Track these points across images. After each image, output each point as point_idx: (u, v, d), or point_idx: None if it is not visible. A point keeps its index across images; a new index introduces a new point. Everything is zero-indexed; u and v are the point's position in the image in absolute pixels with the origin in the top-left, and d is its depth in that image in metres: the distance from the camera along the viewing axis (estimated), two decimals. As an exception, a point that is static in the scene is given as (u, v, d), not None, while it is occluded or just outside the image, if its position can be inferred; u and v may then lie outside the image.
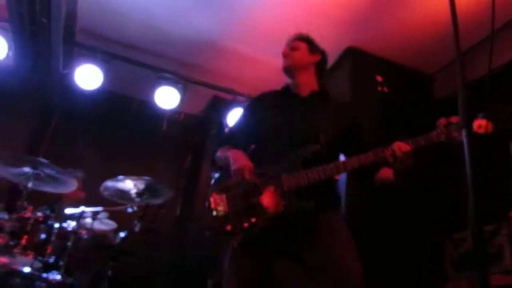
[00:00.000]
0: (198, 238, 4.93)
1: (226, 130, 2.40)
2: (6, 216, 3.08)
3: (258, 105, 2.35)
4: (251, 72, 4.75)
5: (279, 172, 1.97)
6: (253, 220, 1.88)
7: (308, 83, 2.31)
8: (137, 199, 3.59)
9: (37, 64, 4.33)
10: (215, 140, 5.02)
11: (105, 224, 3.76)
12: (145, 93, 4.80)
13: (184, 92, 4.73)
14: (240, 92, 4.96)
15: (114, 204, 3.67)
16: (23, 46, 4.13)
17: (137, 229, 3.59)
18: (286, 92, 2.33)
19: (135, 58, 4.65)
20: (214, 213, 1.94)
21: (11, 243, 3.04)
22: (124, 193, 3.63)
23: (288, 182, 1.93)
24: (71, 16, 4.15)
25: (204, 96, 5.31)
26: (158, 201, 3.77)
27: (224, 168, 2.07)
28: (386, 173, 2.01)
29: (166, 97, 4.68)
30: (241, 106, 4.88)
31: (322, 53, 2.40)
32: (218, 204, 1.95)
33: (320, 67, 2.37)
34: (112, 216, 3.76)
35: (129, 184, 3.59)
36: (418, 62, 4.32)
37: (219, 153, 2.22)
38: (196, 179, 5.40)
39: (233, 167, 1.97)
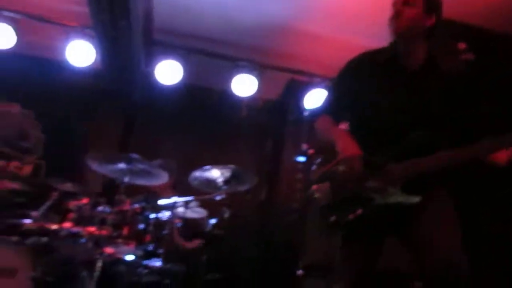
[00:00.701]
0: (283, 223, 5.01)
1: (327, 96, 2.23)
2: (107, 210, 3.33)
3: (359, 75, 2.04)
4: (326, 52, 4.68)
5: (387, 161, 1.84)
6: (359, 211, 1.82)
7: (418, 52, 1.95)
8: (224, 187, 3.72)
9: (121, 65, 4.57)
10: (309, 117, 4.94)
11: (196, 212, 3.93)
12: (223, 82, 4.90)
13: (260, 78, 4.78)
14: (316, 74, 4.92)
15: (203, 193, 3.83)
16: (107, 50, 4.38)
17: (226, 215, 3.73)
18: (391, 62, 1.98)
19: (212, 50, 4.76)
20: (318, 202, 1.89)
21: (114, 234, 3.28)
22: (211, 182, 3.78)
23: (396, 172, 1.80)
24: (148, 17, 4.33)
25: (280, 80, 5.32)
26: (243, 187, 3.88)
27: (321, 149, 2.00)
28: None
29: (244, 85, 4.77)
30: (318, 88, 4.85)
31: (438, 14, 1.97)
32: (322, 193, 1.89)
33: (433, 32, 1.97)
34: (202, 205, 3.92)
35: (215, 173, 3.73)
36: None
37: (320, 125, 2.06)
38: (278, 164, 5.46)
39: (341, 154, 1.84)
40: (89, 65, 4.47)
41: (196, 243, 3.88)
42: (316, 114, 2.18)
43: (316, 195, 1.88)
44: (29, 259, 2.98)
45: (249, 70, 4.74)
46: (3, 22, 4.23)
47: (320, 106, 2.23)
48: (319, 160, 2.03)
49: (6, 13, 4.25)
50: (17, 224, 3.32)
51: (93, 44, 4.39)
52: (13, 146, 4.57)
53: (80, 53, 4.42)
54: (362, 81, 2.02)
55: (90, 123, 4.95)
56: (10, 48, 4.36)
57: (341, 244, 1.88)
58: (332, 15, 4.21)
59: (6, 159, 4.59)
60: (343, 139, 1.91)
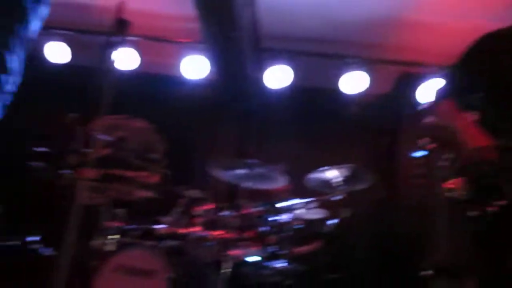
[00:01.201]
0: (403, 220, 4.83)
1: (449, 82, 2.12)
2: (231, 214, 3.48)
3: (498, 54, 1.92)
4: (436, 40, 4.43)
5: None
6: (499, 202, 1.71)
7: None
8: (342, 187, 3.69)
9: (233, 74, 4.78)
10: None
11: (316, 213, 3.94)
12: (332, 82, 4.87)
13: (370, 74, 4.68)
14: (428, 64, 4.69)
15: (321, 194, 3.84)
16: (219, 61, 4.61)
17: (345, 215, 3.70)
18: None
19: (318, 50, 4.77)
20: (452, 198, 1.82)
21: (239, 237, 3.42)
22: (328, 182, 3.77)
23: None
24: (255, 26, 4.46)
25: (391, 74, 5.15)
26: (361, 186, 3.82)
27: (442, 141, 1.91)
28: None
29: (353, 82, 4.70)
30: (433, 78, 4.61)
31: None
32: (457, 189, 1.81)
33: None
34: (321, 205, 3.93)
35: (332, 173, 3.72)
36: None
37: (442, 112, 1.99)
38: (394, 160, 5.29)
39: (469, 145, 1.77)
40: (204, 78, 4.74)
41: (313, 246, 3.89)
42: (437, 101, 2.08)
43: (450, 191, 1.79)
44: (164, 261, 3.22)
45: (358, 66, 4.67)
46: (129, 46, 4.66)
47: (441, 92, 2.12)
48: (447, 155, 1.93)
49: (131, 38, 4.67)
50: (152, 229, 3.62)
51: (206, 57, 4.64)
52: (142, 158, 4.98)
53: (195, 67, 4.70)
54: (503, 60, 1.90)
55: (208, 132, 5.22)
56: (134, 69, 4.80)
57: (478, 241, 1.78)
58: (438, 2, 4.00)
59: (137, 170, 5.01)
60: (470, 128, 1.82)
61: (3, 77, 1.65)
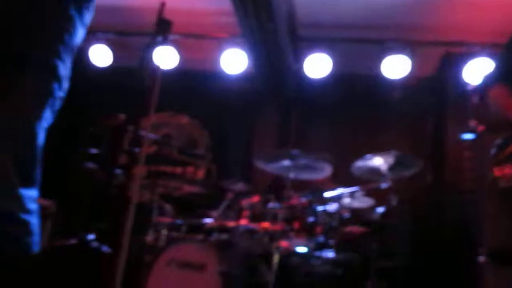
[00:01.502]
0: (454, 205, 4.71)
1: (500, 63, 2.00)
2: (277, 206, 3.50)
3: None
4: (479, 16, 4.26)
5: None
6: None
7: None
8: (388, 174, 3.64)
9: (272, 66, 4.78)
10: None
11: (362, 202, 3.91)
12: (373, 67, 4.78)
13: (412, 56, 4.56)
14: (472, 42, 4.52)
15: (367, 182, 3.80)
16: (257, 54, 4.61)
17: (393, 202, 3.64)
18: None
19: (357, 36, 4.70)
20: (500, 182, 1.77)
21: (286, 228, 3.44)
22: (374, 170, 3.73)
23: None
24: (291, 15, 4.44)
25: (434, 55, 5.00)
26: (408, 172, 3.75)
27: (492, 125, 1.85)
28: None
29: (395, 66, 4.59)
30: (479, 57, 4.44)
31: None
32: (504, 173, 1.76)
33: None
34: (367, 194, 3.89)
35: (377, 161, 3.67)
36: None
37: (494, 97, 1.88)
38: (441, 144, 5.14)
39: None
40: (243, 71, 4.76)
41: (361, 235, 3.86)
42: (487, 85, 1.98)
43: (499, 178, 1.73)
44: (215, 254, 3.27)
45: (399, 50, 4.55)
46: (169, 45, 4.74)
47: (491, 76, 2.02)
48: (499, 141, 1.85)
49: (171, 37, 4.74)
50: (201, 224, 3.69)
51: (244, 51, 4.66)
52: (187, 153, 5.08)
53: (234, 61, 4.73)
54: None
55: (250, 125, 5.26)
56: (175, 67, 4.89)
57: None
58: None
59: (183, 165, 5.12)
60: None
61: (56, 84, 1.73)
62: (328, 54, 4.60)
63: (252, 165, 3.90)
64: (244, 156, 4.40)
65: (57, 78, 1.74)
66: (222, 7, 4.26)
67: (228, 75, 4.90)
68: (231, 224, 3.58)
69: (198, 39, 4.85)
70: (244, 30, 4.33)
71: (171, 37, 4.66)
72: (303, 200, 3.58)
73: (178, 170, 5.12)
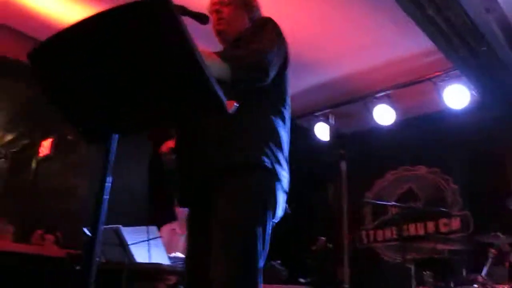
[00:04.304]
0: None
1: None
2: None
3: None
4: None
5: None
6: None
7: None
8: None
9: (503, 87, 4.12)
10: None
11: None
12: None
13: None
14: None
15: None
16: (480, 80, 4.07)
17: None
18: None
19: None
20: None
21: None
22: None
23: None
24: (506, 25, 3.81)
25: None
26: None
27: None
28: None
29: None
30: None
31: None
32: None
33: None
34: None
35: None
36: None
37: None
38: None
39: None
40: (468, 104, 4.24)
41: None
42: None
43: None
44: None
45: None
46: (382, 103, 4.63)
47: None
48: None
49: (380, 94, 4.63)
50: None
51: (463, 84, 4.18)
52: (434, 205, 4.67)
53: (457, 96, 4.27)
54: None
55: (500, 158, 4.47)
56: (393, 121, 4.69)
57: None
58: None
59: (434, 219, 4.71)
60: None
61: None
62: None
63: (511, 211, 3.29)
64: (501, 202, 3.64)
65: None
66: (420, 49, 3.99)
67: (453, 112, 4.41)
68: (502, 287, 3.07)
69: (410, 86, 4.55)
70: (456, 63, 3.92)
71: (381, 94, 4.56)
72: None
73: (430, 224, 4.74)
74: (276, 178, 1.71)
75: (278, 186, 1.72)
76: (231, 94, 1.25)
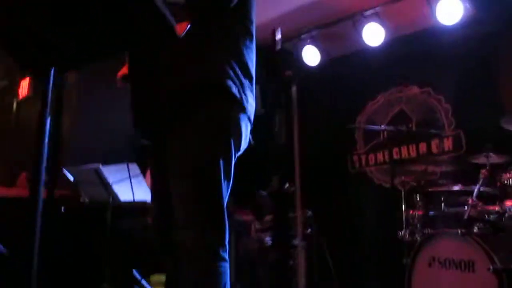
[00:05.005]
0: None
1: None
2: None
3: None
4: None
5: None
6: None
7: None
8: None
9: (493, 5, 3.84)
10: None
11: None
12: None
13: None
14: None
15: None
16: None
17: None
18: None
19: None
20: None
21: None
22: None
23: None
24: None
25: None
26: None
27: None
28: None
29: None
30: None
31: None
32: None
33: None
34: None
35: None
36: None
37: None
38: None
39: None
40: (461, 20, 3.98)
41: None
42: None
43: None
44: (482, 249, 2.80)
45: None
46: (371, 21, 4.41)
47: None
48: None
49: (369, 12, 4.35)
50: (458, 213, 3.23)
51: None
52: (426, 125, 4.56)
53: (449, 11, 4.01)
54: None
55: (495, 80, 4.25)
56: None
57: None
58: None
59: (426, 140, 4.62)
60: None
61: None
62: None
63: (505, 130, 3.17)
64: (494, 121, 3.44)
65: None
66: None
67: (447, 29, 4.16)
68: (494, 207, 3.03)
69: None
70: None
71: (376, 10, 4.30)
72: None
73: (423, 146, 4.66)
74: (242, 107, 1.57)
75: (243, 116, 1.58)
76: (187, 13, 1.08)
